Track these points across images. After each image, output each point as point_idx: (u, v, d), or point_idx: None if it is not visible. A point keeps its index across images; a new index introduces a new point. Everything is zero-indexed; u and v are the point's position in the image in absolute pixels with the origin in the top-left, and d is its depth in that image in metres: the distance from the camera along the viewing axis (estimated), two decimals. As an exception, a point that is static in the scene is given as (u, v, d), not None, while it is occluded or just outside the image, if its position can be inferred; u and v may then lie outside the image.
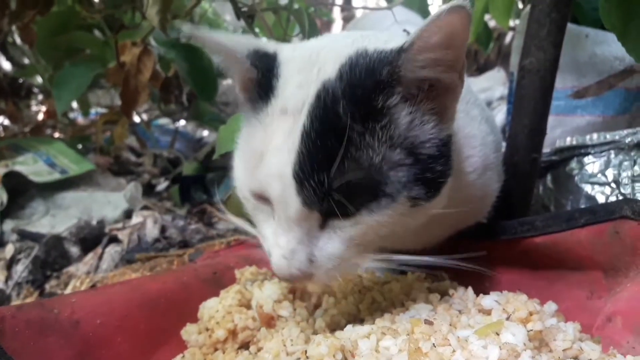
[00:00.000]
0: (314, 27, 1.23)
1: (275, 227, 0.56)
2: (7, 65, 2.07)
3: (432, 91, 0.54)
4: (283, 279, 0.59)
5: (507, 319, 0.55)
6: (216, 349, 0.64)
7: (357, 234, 0.55)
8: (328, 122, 0.51)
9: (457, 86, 0.55)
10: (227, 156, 0.79)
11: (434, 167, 0.55)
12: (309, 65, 0.55)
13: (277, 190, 0.53)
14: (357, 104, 0.52)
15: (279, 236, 0.55)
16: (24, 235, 1.24)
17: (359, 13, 2.65)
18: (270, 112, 0.55)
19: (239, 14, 1.09)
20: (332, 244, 0.55)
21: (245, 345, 0.64)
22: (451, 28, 0.49)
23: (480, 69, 2.11)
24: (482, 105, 0.81)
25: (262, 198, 0.56)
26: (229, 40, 0.57)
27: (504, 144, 0.94)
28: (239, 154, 0.61)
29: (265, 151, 0.54)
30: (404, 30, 0.91)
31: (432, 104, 0.55)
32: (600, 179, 0.92)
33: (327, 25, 2.94)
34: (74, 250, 1.18)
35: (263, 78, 0.57)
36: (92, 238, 1.23)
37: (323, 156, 0.51)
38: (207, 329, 0.65)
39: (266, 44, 0.61)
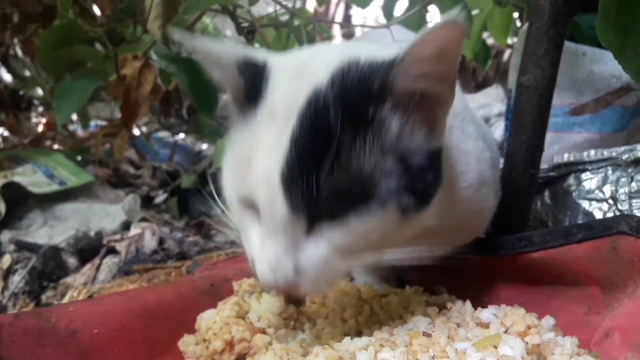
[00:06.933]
0: (313, 44, 1.24)
1: (260, 234, 0.55)
2: (7, 77, 2.08)
3: (423, 103, 0.54)
4: (267, 288, 0.58)
5: (505, 332, 0.55)
6: (213, 360, 0.64)
7: (345, 240, 0.53)
8: (318, 128, 0.51)
9: (448, 99, 0.55)
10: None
11: (424, 178, 0.55)
12: (300, 72, 0.55)
13: (264, 195, 0.52)
14: (348, 111, 0.51)
15: (265, 243, 0.54)
16: (21, 246, 1.23)
17: (358, 31, 2.67)
18: (259, 118, 0.55)
19: (239, 29, 1.11)
20: (319, 250, 0.53)
21: (242, 357, 0.64)
22: (444, 42, 0.49)
23: (479, 86, 2.13)
24: (479, 122, 0.81)
25: (249, 205, 0.56)
26: (217, 49, 0.57)
27: (502, 161, 0.94)
28: (227, 163, 0.60)
29: (254, 156, 0.54)
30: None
31: (422, 116, 0.55)
32: (597, 195, 0.92)
33: (327, 42, 2.96)
34: (72, 261, 1.17)
35: (251, 86, 0.56)
36: (89, 249, 1.23)
37: (312, 161, 0.50)
38: (205, 340, 0.65)
39: (256, 52, 0.60)
